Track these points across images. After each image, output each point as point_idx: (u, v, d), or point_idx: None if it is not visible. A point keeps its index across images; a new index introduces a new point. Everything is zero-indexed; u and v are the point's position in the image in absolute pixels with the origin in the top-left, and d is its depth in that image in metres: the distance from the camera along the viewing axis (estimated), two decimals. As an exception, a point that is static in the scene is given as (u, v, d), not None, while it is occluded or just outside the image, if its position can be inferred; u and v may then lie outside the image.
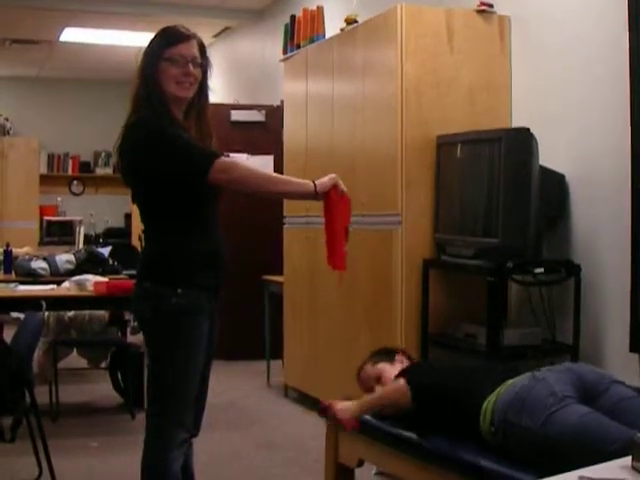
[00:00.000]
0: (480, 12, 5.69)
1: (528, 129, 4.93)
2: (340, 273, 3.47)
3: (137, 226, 12.61)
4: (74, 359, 7.54)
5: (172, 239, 3.41)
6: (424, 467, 3.35)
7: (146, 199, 3.43)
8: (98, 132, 13.81)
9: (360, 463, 3.85)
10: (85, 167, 14.18)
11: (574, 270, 4.91)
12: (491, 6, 5.70)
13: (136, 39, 10.87)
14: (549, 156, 5.05)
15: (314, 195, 3.36)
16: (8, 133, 13.51)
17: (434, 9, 5.64)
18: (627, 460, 2.06)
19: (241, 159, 7.51)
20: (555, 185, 5.10)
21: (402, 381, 3.47)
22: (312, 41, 7.05)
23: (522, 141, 4.89)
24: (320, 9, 7.11)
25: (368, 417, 3.74)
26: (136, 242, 12.03)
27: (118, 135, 3.43)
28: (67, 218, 13.51)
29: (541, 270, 4.91)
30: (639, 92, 4.63)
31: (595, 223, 4.94)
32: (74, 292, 6.22)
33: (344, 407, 3.60)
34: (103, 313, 7.19)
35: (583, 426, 2.96)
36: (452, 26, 5.61)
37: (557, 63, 5.31)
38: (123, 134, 3.42)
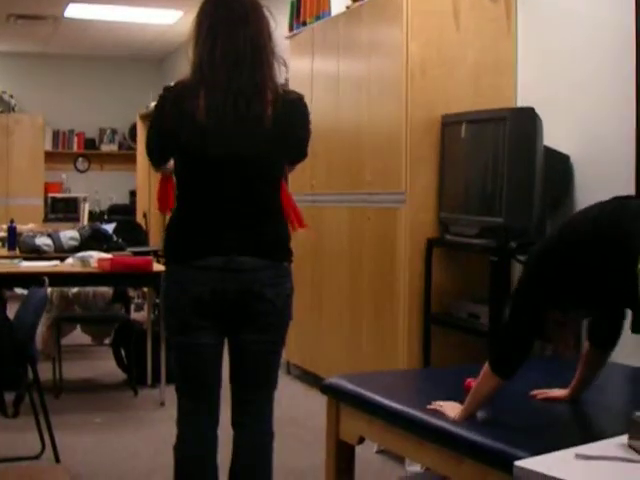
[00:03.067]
0: (487, -10, 5.67)
1: (533, 109, 4.92)
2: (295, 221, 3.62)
3: (142, 203, 12.68)
4: (78, 335, 7.56)
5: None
6: (425, 444, 3.34)
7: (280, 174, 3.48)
8: (103, 109, 13.82)
9: (361, 440, 3.86)
10: (90, 144, 14.16)
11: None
12: (497, -16, 5.68)
13: (141, 15, 10.85)
14: (554, 137, 5.04)
15: None
16: (13, 110, 13.48)
17: (440, -13, 5.62)
18: (624, 438, 2.06)
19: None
20: (559, 166, 5.09)
21: (486, 367, 3.31)
22: (318, 18, 7.03)
23: (527, 121, 4.89)
24: (326, -14, 7.09)
25: (366, 392, 3.74)
26: (140, 219, 12.06)
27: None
28: (72, 195, 13.51)
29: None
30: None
31: (599, 203, 4.93)
32: (78, 268, 6.22)
33: (451, 407, 3.48)
34: (107, 290, 7.20)
35: None
36: (458, 5, 5.59)
37: (563, 44, 5.29)
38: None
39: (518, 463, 1.93)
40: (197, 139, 3.24)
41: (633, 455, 1.99)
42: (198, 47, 3.28)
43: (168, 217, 3.53)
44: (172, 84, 3.37)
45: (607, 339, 3.39)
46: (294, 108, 3.38)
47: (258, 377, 3.48)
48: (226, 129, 3.23)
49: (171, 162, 3.47)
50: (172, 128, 3.27)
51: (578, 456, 1.99)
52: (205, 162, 3.28)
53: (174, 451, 3.46)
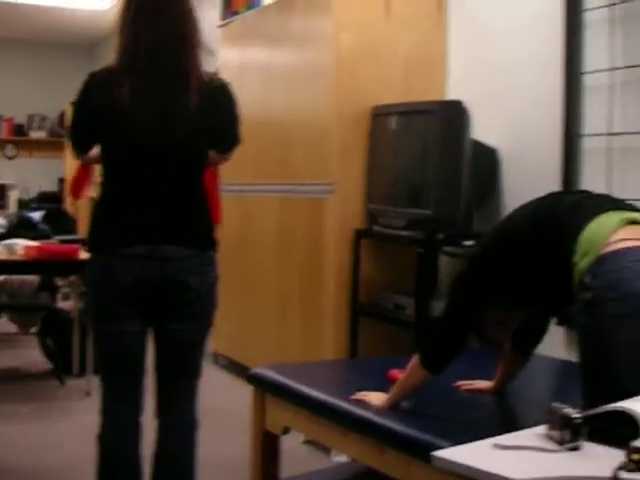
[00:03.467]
0: (418, -16, 5.69)
1: (461, 102, 4.95)
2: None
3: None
4: (3, 324, 7.48)
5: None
6: (348, 434, 3.36)
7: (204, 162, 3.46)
8: (33, 95, 13.61)
9: (286, 431, 3.86)
10: (19, 130, 13.95)
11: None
12: (429, -22, 5.71)
13: (72, 0, 10.72)
14: (482, 130, 5.08)
15: None
16: (-60, 94, 13.26)
17: (372, -21, 5.63)
18: (543, 428, 2.09)
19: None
20: (487, 159, 5.14)
21: (415, 359, 3.31)
22: (250, 8, 7.00)
23: (455, 114, 4.92)
24: (258, -25, 7.07)
25: (292, 383, 3.74)
26: (70, 207, 11.92)
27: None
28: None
29: (471, 242, 4.94)
30: (573, 67, 4.67)
31: (525, 197, 4.90)
32: (4, 256, 6.14)
33: (376, 397, 3.48)
34: (34, 278, 7.12)
35: None
36: (390, -3, 5.61)
37: (493, 37, 5.34)
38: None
39: (436, 453, 1.94)
40: (121, 126, 3.22)
41: (550, 445, 2.02)
42: (123, 34, 3.26)
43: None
44: (97, 70, 3.33)
45: (529, 345, 3.45)
46: (219, 95, 3.38)
47: (182, 366, 3.47)
48: (150, 117, 3.20)
49: (93, 151, 3.44)
50: (96, 115, 3.24)
51: (496, 446, 2.01)
52: (129, 150, 3.26)
53: (97, 441, 3.44)
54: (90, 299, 3.48)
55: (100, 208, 3.39)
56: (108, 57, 3.35)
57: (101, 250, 3.33)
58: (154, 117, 3.21)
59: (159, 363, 3.48)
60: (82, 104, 3.33)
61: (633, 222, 2.74)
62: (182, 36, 3.26)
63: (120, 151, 3.29)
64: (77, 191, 3.76)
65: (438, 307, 4.94)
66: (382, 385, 3.65)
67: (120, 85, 3.18)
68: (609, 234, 2.67)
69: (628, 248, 2.62)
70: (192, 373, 3.52)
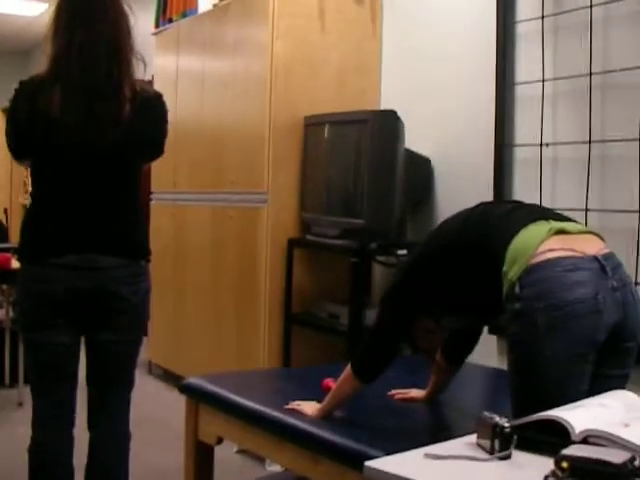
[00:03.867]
0: (353, -6, 5.73)
1: (395, 112, 4.98)
2: None
3: (2, 198, 12.39)
4: None
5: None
6: (282, 444, 3.35)
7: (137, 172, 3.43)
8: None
9: (220, 440, 3.85)
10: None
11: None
12: (364, -12, 5.74)
13: (3, 6, 10.60)
14: (415, 139, 5.12)
15: None
16: None
17: (307, -11, 5.64)
18: (472, 437, 2.10)
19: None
20: (420, 168, 5.18)
21: (347, 368, 3.33)
22: (184, 15, 6.98)
23: (388, 123, 4.94)
24: (193, -17, 7.05)
25: (225, 392, 3.74)
26: (1, 215, 11.78)
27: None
28: None
29: (404, 252, 4.97)
30: (506, 78, 4.73)
31: (458, 206, 4.94)
32: None
33: (310, 406, 3.48)
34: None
35: None
36: (324, 6, 5.63)
37: (427, 47, 5.38)
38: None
39: (368, 463, 1.95)
40: (51, 135, 3.18)
41: (480, 453, 2.03)
42: (55, 41, 3.22)
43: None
44: (28, 78, 3.30)
45: (460, 355, 3.48)
46: (151, 106, 3.35)
47: (114, 377, 3.44)
48: (80, 126, 3.17)
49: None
50: (26, 123, 3.21)
51: (427, 455, 2.02)
52: (59, 159, 3.22)
53: (28, 454, 3.39)
54: (20, 309, 3.44)
55: (31, 217, 3.35)
56: (41, 63, 3.31)
57: (31, 259, 3.29)
58: (84, 126, 3.17)
59: (90, 374, 3.44)
60: (13, 113, 3.29)
61: (561, 232, 2.78)
62: (115, 45, 3.23)
63: (50, 160, 3.24)
64: None
65: (371, 316, 4.97)
66: (317, 394, 3.66)
67: (50, 93, 3.15)
68: (537, 244, 2.70)
69: (557, 258, 2.66)
70: (124, 384, 3.49)
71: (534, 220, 2.82)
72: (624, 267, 2.79)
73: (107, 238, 3.27)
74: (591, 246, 2.75)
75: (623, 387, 2.62)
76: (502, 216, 2.94)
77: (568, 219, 2.92)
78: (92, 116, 3.17)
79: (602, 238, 2.84)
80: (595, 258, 2.69)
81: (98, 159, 3.23)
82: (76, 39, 3.18)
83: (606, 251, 2.76)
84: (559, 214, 2.96)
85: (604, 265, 2.69)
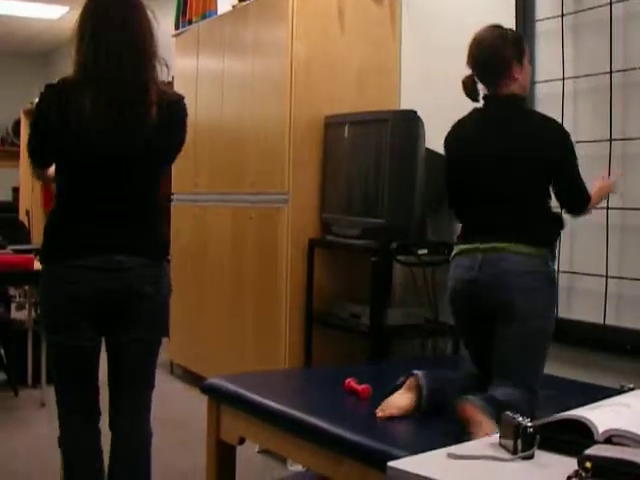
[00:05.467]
0: (372, -7, 5.73)
1: (415, 112, 4.98)
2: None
3: (25, 200, 12.42)
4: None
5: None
6: (303, 443, 3.36)
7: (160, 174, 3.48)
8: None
9: (242, 441, 3.86)
10: (-28, 138, 13.83)
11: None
12: (383, -13, 5.74)
13: (25, 9, 10.64)
14: (436, 139, 5.09)
15: None
16: None
17: (326, -11, 5.64)
18: (495, 437, 2.10)
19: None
20: (441, 168, 5.14)
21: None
22: (204, 17, 7.01)
23: (409, 123, 4.94)
24: (212, -15, 7.07)
25: (247, 393, 3.75)
26: (23, 217, 11.82)
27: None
28: (-48, 191, 13.19)
29: (425, 251, 4.97)
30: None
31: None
32: (-44, 266, 6.07)
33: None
34: (-13, 289, 7.07)
35: None
36: (343, 6, 5.63)
37: (446, 47, 5.37)
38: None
39: (391, 464, 1.94)
40: (80, 139, 3.19)
41: (503, 453, 2.03)
42: (82, 47, 3.24)
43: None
44: (55, 82, 3.31)
45: None
46: (175, 109, 3.37)
47: (135, 377, 3.44)
48: (110, 130, 3.19)
49: (51, 169, 3.43)
50: (55, 128, 3.22)
51: (450, 455, 2.01)
52: (87, 162, 3.24)
53: (61, 452, 3.41)
54: (42, 310, 3.46)
55: (54, 219, 3.37)
56: (62, 66, 3.34)
57: (54, 261, 3.31)
58: (114, 130, 3.20)
59: (111, 375, 3.45)
60: (40, 117, 3.30)
61: None
62: (140, 50, 3.25)
63: (78, 163, 3.26)
64: (48, 202, 3.75)
65: (392, 315, 4.98)
66: (339, 395, 3.67)
67: (79, 98, 3.17)
68: None
69: None
70: (146, 384, 3.49)
71: None
72: None
73: (129, 238, 3.29)
74: None
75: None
76: None
77: None
78: (121, 121, 3.20)
79: None
80: None
81: (125, 162, 3.26)
82: (103, 45, 3.20)
83: None
84: None
85: None
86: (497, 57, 3.60)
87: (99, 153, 3.22)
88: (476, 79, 3.67)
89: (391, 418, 3.34)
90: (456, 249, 3.65)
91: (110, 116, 3.20)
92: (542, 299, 3.46)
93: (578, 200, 3.65)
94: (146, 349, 3.42)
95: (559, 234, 3.63)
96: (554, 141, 3.53)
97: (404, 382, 3.43)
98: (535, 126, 3.56)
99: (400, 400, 3.40)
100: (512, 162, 3.54)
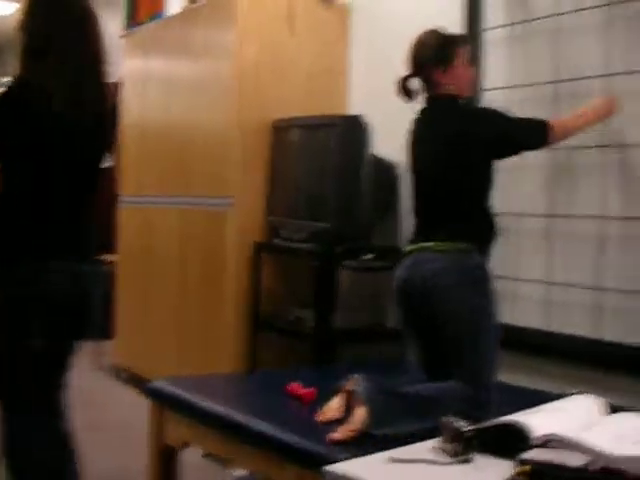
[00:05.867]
0: (321, -3, 5.75)
1: (362, 117, 4.98)
2: None
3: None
4: None
5: None
6: (247, 448, 3.35)
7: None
8: None
9: (185, 445, 3.85)
10: None
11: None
12: (332, -8, 5.76)
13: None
14: (382, 145, 5.12)
15: None
16: None
17: (276, -8, 5.65)
18: (436, 441, 2.11)
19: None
20: (387, 173, 5.18)
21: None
22: (153, 19, 6.98)
23: (356, 128, 4.95)
24: (163, -14, 7.05)
25: (191, 396, 3.73)
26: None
27: None
28: None
29: (370, 256, 4.99)
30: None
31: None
32: None
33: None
34: None
35: None
36: (293, 10, 5.64)
37: (395, 54, 5.36)
38: None
39: (327, 468, 1.95)
40: (48, 139, 3.18)
41: (442, 457, 2.05)
42: (35, 47, 3.23)
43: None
44: (15, 83, 3.27)
45: None
46: (116, 111, 3.40)
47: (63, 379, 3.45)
48: (72, 132, 3.19)
49: None
50: (15, 129, 3.19)
51: (390, 459, 2.02)
52: (57, 164, 3.23)
53: (23, 455, 3.37)
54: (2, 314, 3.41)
55: (20, 221, 3.32)
56: (14, 62, 3.30)
57: (23, 263, 3.27)
58: (75, 133, 3.20)
59: (50, 377, 3.42)
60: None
61: None
62: (97, 55, 3.28)
63: (46, 165, 3.24)
64: None
65: (337, 320, 4.98)
66: (282, 398, 3.67)
67: (41, 100, 3.15)
68: None
69: None
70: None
71: None
72: None
73: (83, 241, 3.30)
74: None
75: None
76: None
77: None
78: (83, 123, 3.20)
79: None
80: None
81: (90, 165, 3.27)
82: (59, 49, 3.21)
83: None
84: None
85: None
86: (421, 61, 3.74)
87: (58, 154, 3.23)
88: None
89: (332, 422, 3.34)
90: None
91: (70, 118, 3.20)
92: (471, 297, 3.50)
93: (534, 136, 3.69)
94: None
95: (490, 232, 3.66)
96: (485, 122, 3.63)
97: (345, 386, 3.43)
98: (465, 121, 3.64)
99: (340, 404, 3.40)
100: (441, 162, 3.65)
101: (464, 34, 3.89)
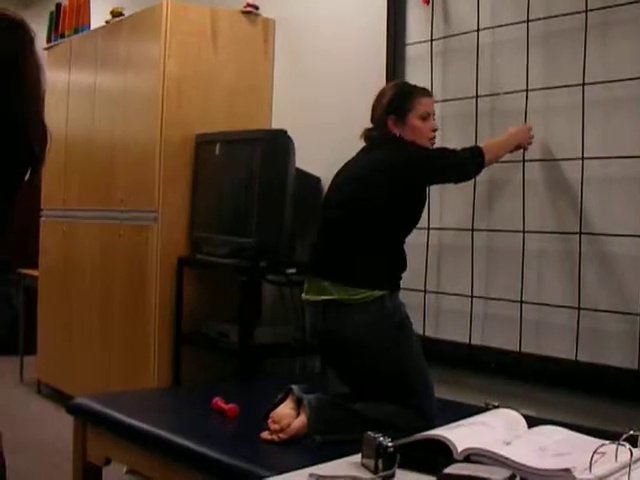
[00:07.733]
0: (246, 13, 5.76)
1: (286, 131, 4.99)
2: None
3: None
4: None
5: None
6: (170, 464, 3.34)
7: None
8: None
9: (108, 461, 3.82)
10: None
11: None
12: (257, 8, 5.77)
13: None
14: (306, 159, 5.14)
15: None
16: None
17: (200, 7, 5.65)
18: (357, 457, 2.12)
19: None
20: (311, 187, 5.19)
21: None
22: (77, 31, 6.93)
23: (279, 143, 4.96)
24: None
25: (113, 412, 3.71)
26: None
27: None
28: None
29: (293, 270, 4.99)
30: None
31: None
32: None
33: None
34: None
35: None
36: (217, 25, 5.65)
37: (318, 69, 5.43)
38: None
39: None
40: None
41: (364, 473, 2.06)
42: None
43: None
44: None
45: None
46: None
47: None
48: None
49: None
50: None
51: (312, 476, 2.03)
52: None
53: None
54: None
55: None
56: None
57: None
58: None
59: None
60: None
61: None
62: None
63: None
64: None
65: (261, 334, 4.99)
66: (206, 413, 3.66)
67: None
68: None
69: None
70: None
71: None
72: None
73: None
74: None
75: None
76: None
77: None
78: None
79: None
80: None
81: None
82: None
83: None
84: None
85: None
86: (377, 110, 3.79)
87: None
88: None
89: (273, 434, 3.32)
90: (305, 283, 3.67)
91: None
92: (394, 347, 3.46)
93: (457, 170, 3.78)
94: None
95: (397, 273, 3.60)
96: (408, 161, 3.64)
97: (285, 397, 3.43)
98: (389, 157, 3.64)
99: (289, 410, 3.41)
100: (355, 201, 3.63)
101: (424, 87, 3.87)
